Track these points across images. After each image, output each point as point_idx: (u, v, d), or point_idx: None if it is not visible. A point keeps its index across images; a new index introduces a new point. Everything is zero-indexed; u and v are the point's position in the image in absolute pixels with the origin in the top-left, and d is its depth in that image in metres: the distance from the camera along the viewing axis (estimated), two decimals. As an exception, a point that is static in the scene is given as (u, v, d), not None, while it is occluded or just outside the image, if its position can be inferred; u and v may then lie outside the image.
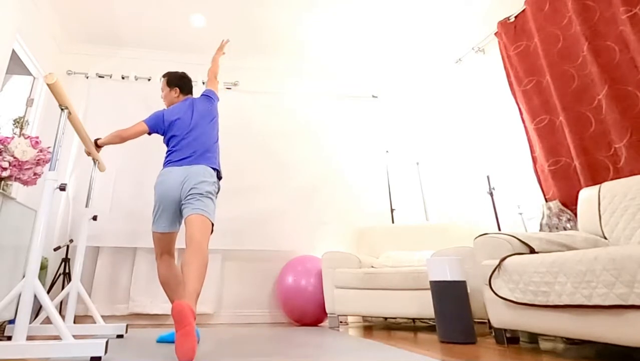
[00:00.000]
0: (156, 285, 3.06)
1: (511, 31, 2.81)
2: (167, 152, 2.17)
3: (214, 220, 1.99)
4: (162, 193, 2.03)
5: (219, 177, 2.16)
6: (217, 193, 2.11)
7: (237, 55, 3.96)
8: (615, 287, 1.30)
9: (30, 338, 1.86)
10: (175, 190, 2.00)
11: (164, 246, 2.11)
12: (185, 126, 2.18)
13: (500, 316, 1.77)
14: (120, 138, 2.24)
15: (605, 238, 1.96)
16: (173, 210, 2.05)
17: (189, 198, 1.96)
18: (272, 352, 1.67)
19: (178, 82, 2.41)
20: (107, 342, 1.46)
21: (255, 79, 3.96)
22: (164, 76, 2.47)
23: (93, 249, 3.14)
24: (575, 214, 2.25)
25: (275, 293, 3.34)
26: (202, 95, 2.42)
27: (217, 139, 2.27)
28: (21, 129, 2.96)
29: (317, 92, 4.04)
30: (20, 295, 1.49)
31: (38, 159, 2.13)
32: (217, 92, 2.49)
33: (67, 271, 2.88)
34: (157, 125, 2.23)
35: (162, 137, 2.26)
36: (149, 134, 2.26)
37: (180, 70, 2.52)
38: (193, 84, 2.49)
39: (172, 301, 2.06)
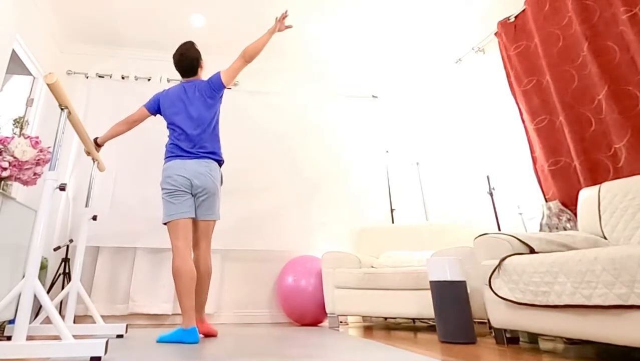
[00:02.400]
0: (156, 285, 3.07)
1: (511, 31, 2.81)
2: (169, 140, 2.28)
3: None
4: (172, 185, 2.14)
5: (220, 164, 2.32)
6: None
7: (236, 55, 3.95)
8: (615, 287, 1.30)
9: (30, 338, 1.86)
10: (185, 182, 2.14)
11: (180, 234, 2.11)
12: (186, 119, 2.25)
13: (500, 316, 1.78)
14: (127, 124, 2.37)
15: (605, 238, 1.95)
16: (186, 196, 2.16)
17: (203, 198, 2.18)
18: (272, 352, 1.67)
19: (177, 67, 2.40)
20: (107, 342, 1.46)
21: (255, 79, 3.96)
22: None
23: (93, 249, 3.14)
24: (575, 214, 2.25)
25: (275, 293, 3.34)
26: (208, 82, 2.33)
27: (217, 127, 2.35)
28: (21, 129, 2.97)
29: (317, 92, 4.04)
30: (20, 295, 1.49)
31: (38, 159, 2.13)
32: (231, 77, 2.31)
33: (67, 271, 2.88)
34: (153, 107, 2.38)
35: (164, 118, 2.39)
36: (154, 114, 2.40)
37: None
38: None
39: (179, 296, 2.04)
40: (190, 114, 2.24)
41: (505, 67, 2.82)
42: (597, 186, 2.08)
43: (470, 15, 3.36)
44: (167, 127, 2.32)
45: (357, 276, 2.66)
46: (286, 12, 2.39)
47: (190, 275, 2.05)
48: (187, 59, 2.34)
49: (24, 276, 1.51)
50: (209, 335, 2.19)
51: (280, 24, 2.39)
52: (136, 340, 2.09)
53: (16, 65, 3.02)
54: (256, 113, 3.81)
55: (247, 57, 2.31)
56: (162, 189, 2.18)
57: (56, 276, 2.88)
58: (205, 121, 2.24)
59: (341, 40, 3.79)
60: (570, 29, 2.38)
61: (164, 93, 2.36)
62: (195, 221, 2.23)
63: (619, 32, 2.13)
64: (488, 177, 2.88)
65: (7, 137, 2.08)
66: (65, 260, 2.91)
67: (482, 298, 2.23)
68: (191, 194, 2.17)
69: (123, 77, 3.65)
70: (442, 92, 3.72)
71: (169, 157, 2.20)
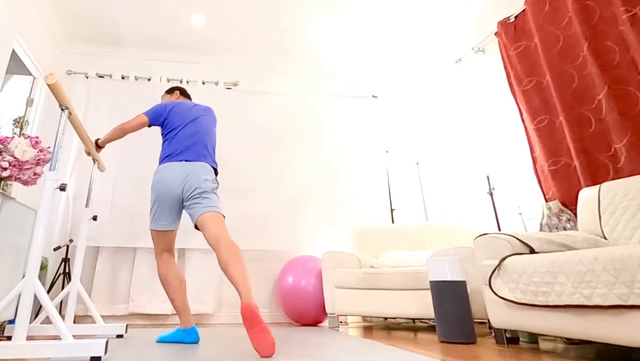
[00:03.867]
0: (156, 285, 3.06)
1: (511, 31, 2.81)
2: (163, 145, 2.17)
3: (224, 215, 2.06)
4: (161, 190, 2.02)
5: (216, 173, 2.18)
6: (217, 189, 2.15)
7: (236, 55, 3.96)
8: (615, 287, 1.30)
9: (30, 338, 1.86)
10: (176, 187, 2.00)
11: (164, 244, 2.10)
12: (185, 119, 2.20)
13: (500, 316, 1.77)
14: (122, 131, 2.23)
15: (605, 238, 1.96)
16: (173, 207, 2.05)
17: (196, 197, 1.98)
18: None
19: (178, 88, 2.51)
20: (107, 342, 1.46)
21: (255, 79, 3.96)
22: (166, 92, 2.56)
23: (93, 249, 3.14)
24: (575, 214, 2.25)
25: (275, 293, 3.34)
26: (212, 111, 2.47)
27: (215, 138, 2.31)
28: (21, 129, 2.96)
29: (317, 92, 4.04)
30: (20, 295, 1.49)
31: (38, 159, 2.13)
32: None
33: (67, 271, 2.88)
34: (157, 118, 2.23)
35: (160, 128, 2.27)
36: (149, 126, 2.25)
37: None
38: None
39: (172, 301, 2.05)
40: (199, 125, 2.20)
41: (505, 67, 2.82)
42: (597, 186, 2.08)
43: (470, 15, 3.36)
44: (168, 135, 2.18)
45: (357, 276, 2.66)
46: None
47: (176, 279, 2.06)
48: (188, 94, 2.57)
49: (24, 276, 1.51)
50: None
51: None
52: (136, 340, 2.09)
53: (16, 65, 3.02)
54: (256, 113, 3.81)
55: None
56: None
57: (56, 276, 2.88)
58: (210, 136, 2.24)
59: (341, 40, 3.79)
60: (570, 29, 2.39)
61: (173, 103, 2.28)
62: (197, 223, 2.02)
63: (619, 32, 2.13)
64: (488, 178, 2.88)
65: (7, 137, 2.07)
66: (65, 260, 2.91)
67: (482, 298, 2.23)
68: (182, 198, 2.01)
69: (123, 77, 3.65)
70: (442, 92, 3.72)
71: (163, 159, 2.11)
